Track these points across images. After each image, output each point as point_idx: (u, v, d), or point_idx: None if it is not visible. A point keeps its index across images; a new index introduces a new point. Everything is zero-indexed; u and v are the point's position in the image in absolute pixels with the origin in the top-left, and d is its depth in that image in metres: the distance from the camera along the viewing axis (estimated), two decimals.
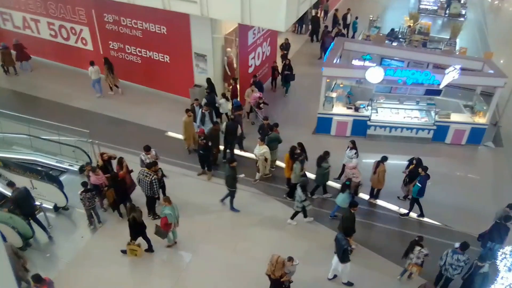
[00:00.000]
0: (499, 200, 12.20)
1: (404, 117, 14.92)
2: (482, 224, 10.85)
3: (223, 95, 14.87)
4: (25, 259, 9.65)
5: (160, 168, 11.42)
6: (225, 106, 14.74)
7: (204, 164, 12.90)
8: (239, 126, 13.45)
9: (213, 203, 12.02)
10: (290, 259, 8.64)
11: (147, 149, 11.69)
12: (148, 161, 11.48)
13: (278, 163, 13.32)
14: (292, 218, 11.45)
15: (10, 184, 10.81)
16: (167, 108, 16.00)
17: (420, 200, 11.53)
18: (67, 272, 10.06)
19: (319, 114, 14.93)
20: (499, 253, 7.85)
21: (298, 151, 11.89)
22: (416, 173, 11.37)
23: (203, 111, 13.70)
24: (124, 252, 10.39)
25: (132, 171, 11.48)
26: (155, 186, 10.82)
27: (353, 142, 12.28)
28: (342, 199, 11.10)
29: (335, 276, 9.94)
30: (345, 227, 10.02)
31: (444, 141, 14.90)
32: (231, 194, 11.69)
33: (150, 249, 10.54)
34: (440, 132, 14.75)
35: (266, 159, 12.37)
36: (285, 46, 18.89)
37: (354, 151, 12.16)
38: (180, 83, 16.09)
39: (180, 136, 14.22)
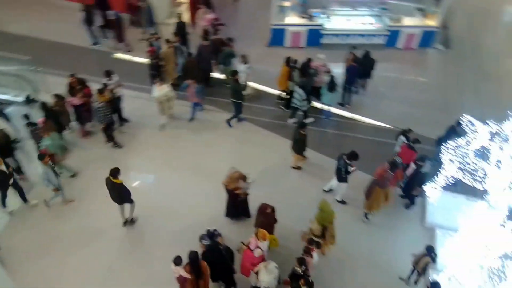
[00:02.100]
0: (448, 100, 12.94)
1: (358, 24, 14.79)
2: (430, 126, 11.40)
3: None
4: None
5: (111, 91, 10.96)
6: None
7: None
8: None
9: (170, 123, 11.93)
10: (244, 177, 8.91)
11: (107, 74, 11.13)
12: (112, 86, 11.05)
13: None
14: (291, 117, 11.98)
15: None
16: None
17: (351, 91, 12.52)
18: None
19: (272, 26, 14.52)
20: (443, 149, 8.41)
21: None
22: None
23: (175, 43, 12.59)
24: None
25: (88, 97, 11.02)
26: (100, 114, 10.54)
27: (243, 56, 12.03)
28: (330, 98, 11.55)
29: (330, 189, 10.28)
30: (297, 149, 10.28)
31: (396, 46, 15.08)
32: (237, 107, 11.63)
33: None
34: (392, 37, 14.86)
35: (169, 99, 11.49)
36: None
37: (247, 64, 11.99)
38: None
39: (128, 57, 13.56)
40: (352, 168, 9.39)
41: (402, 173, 9.64)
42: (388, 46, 14.97)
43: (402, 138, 10.22)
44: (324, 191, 10.30)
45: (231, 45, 12.64)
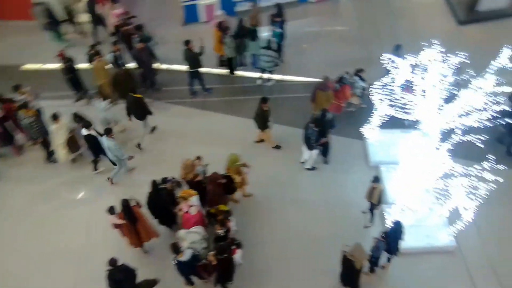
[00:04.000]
0: (369, 42, 13.45)
1: None
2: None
3: None
4: None
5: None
6: None
7: (77, 88, 11.77)
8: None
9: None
10: (198, 158, 8.73)
11: (16, 88, 10.32)
12: (27, 100, 10.28)
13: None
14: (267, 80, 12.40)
15: None
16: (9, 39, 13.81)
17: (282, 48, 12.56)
18: None
19: (183, 2, 14.04)
20: (371, 89, 8.75)
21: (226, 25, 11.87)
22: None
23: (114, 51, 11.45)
24: None
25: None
26: (33, 129, 9.96)
27: (102, 94, 11.11)
28: (254, 47, 11.82)
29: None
30: (260, 123, 10.13)
31: (309, 0, 15.19)
32: (197, 75, 11.64)
33: None
34: None
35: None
36: None
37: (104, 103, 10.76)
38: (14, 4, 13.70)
39: (37, 66, 12.67)
40: (323, 139, 9.62)
41: (349, 93, 10.50)
42: (301, 2, 15.06)
43: (356, 78, 10.58)
44: (301, 163, 10.32)
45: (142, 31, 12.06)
